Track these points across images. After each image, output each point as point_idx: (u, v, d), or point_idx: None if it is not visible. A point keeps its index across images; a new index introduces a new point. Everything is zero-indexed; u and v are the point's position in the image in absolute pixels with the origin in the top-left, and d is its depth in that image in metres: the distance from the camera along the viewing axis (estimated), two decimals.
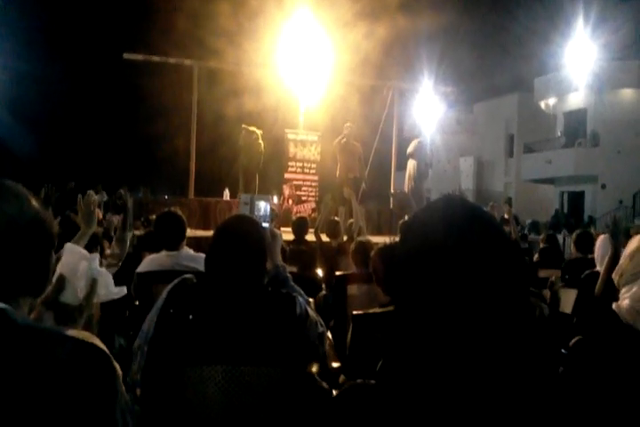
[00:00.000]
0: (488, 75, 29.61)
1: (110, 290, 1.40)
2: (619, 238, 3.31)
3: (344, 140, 10.49)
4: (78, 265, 1.34)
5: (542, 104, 28.18)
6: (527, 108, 29.02)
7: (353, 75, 13.84)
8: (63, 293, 1.28)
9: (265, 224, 2.31)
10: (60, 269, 1.32)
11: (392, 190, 14.14)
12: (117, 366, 1.01)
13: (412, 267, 0.97)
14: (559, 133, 26.98)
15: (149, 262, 3.48)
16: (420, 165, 11.04)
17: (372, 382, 1.09)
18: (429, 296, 0.96)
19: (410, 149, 11.13)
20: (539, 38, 27.57)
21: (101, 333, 2.77)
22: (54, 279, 1.29)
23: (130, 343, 2.87)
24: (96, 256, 1.38)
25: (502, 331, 0.97)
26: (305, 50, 12.71)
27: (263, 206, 2.34)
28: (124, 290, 1.47)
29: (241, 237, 1.99)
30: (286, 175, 12.69)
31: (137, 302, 3.25)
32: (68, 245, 1.40)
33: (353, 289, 3.70)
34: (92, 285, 1.31)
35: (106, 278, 1.39)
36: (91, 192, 2.69)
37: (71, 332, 1.03)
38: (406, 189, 11.16)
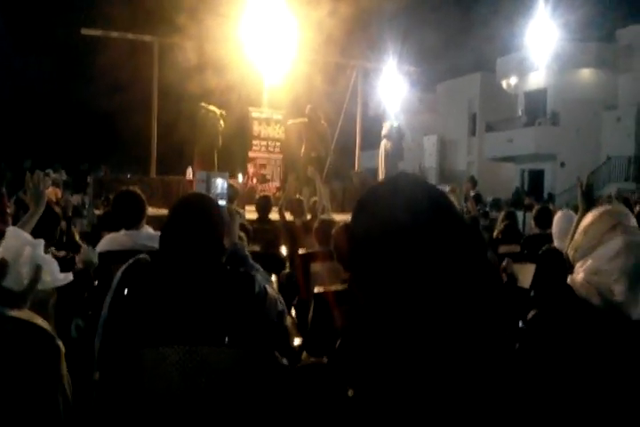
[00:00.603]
0: (451, 54, 29.71)
1: (56, 277, 1.36)
2: (591, 201, 3.18)
3: (306, 120, 10.51)
4: (22, 251, 1.28)
5: (504, 84, 28.41)
6: (489, 88, 29.21)
7: (317, 54, 13.71)
8: (5, 278, 1.23)
9: (222, 202, 2.28)
10: (1, 253, 1.26)
11: (356, 169, 14.17)
12: (61, 345, 0.98)
13: (372, 247, 0.97)
14: (520, 113, 27.30)
15: (108, 242, 3.43)
16: (395, 145, 11.26)
17: (325, 360, 1.09)
18: (388, 276, 0.96)
19: (384, 131, 11.37)
20: (501, 18, 27.76)
21: (58, 315, 2.72)
22: None
23: (88, 324, 2.84)
24: (41, 242, 1.32)
25: (459, 307, 0.97)
26: (269, 26, 12.50)
27: (220, 184, 2.31)
28: (69, 276, 1.43)
29: (196, 215, 1.97)
30: (250, 154, 12.58)
31: (96, 283, 3.21)
32: (11, 230, 1.34)
33: (316, 267, 3.73)
34: (37, 271, 1.27)
35: (51, 265, 1.34)
36: (39, 172, 2.63)
37: (13, 312, 1.00)
38: (381, 169, 11.33)
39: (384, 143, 11.44)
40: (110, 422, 1.76)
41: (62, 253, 3.06)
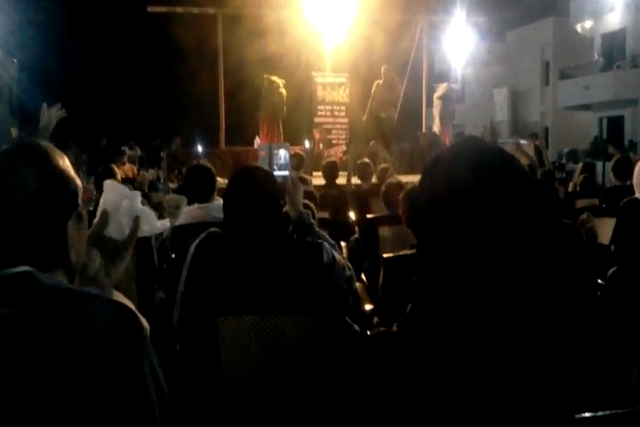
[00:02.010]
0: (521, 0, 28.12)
1: (153, 225, 1.44)
2: None
3: (382, 81, 10.89)
4: (120, 203, 1.38)
5: (578, 27, 26.91)
6: (563, 33, 27.74)
7: (379, 12, 13.32)
8: (107, 228, 1.32)
9: (285, 172, 2.32)
10: (102, 205, 1.36)
11: (423, 128, 13.94)
12: (144, 323, 1.02)
13: (440, 212, 0.97)
14: (596, 57, 25.86)
15: (182, 216, 3.55)
16: (449, 107, 11.40)
17: (395, 329, 1.10)
18: (460, 240, 0.96)
19: (440, 92, 11.45)
20: None
21: (140, 287, 2.87)
22: (98, 214, 1.34)
23: (169, 295, 2.97)
24: (138, 193, 1.41)
25: (530, 269, 0.96)
26: None
27: (283, 155, 2.33)
28: (166, 223, 1.51)
29: (248, 188, 2.01)
30: (316, 119, 12.53)
31: (173, 256, 3.34)
32: (109, 183, 1.42)
33: (384, 231, 3.71)
34: (135, 222, 1.36)
35: (148, 215, 1.43)
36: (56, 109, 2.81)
37: (96, 291, 1.05)
38: (436, 129, 11.32)
39: (438, 104, 11.53)
40: (193, 390, 1.86)
41: None
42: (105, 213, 1.34)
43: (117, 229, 1.34)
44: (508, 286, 0.95)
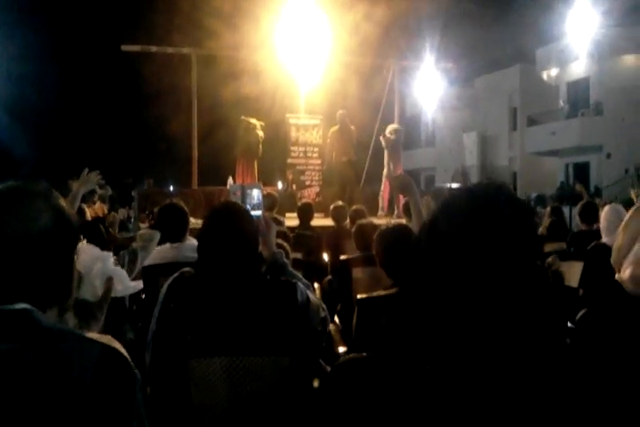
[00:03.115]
0: (489, 48, 29.11)
1: (127, 285, 1.43)
2: None
3: (337, 126, 11.00)
4: (93, 265, 1.36)
5: (545, 75, 27.88)
6: (530, 80, 28.68)
7: (352, 56, 13.68)
8: (80, 290, 1.30)
9: (258, 212, 2.31)
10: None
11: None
12: (138, 374, 1.01)
13: (452, 254, 0.96)
14: (562, 104, 26.73)
15: (154, 255, 3.50)
16: (399, 150, 11.28)
17: (364, 354, 1.09)
18: (461, 282, 0.96)
19: (395, 136, 11.06)
20: (539, 7, 27.08)
21: (108, 326, 2.80)
22: None
23: (138, 336, 2.91)
24: (109, 255, 1.40)
25: (516, 310, 0.97)
26: (302, 32, 12.52)
27: (256, 195, 2.34)
28: (140, 284, 1.50)
29: (227, 225, 1.99)
30: (289, 160, 12.64)
31: (143, 296, 3.28)
32: (83, 245, 1.42)
33: (358, 272, 3.70)
34: (108, 282, 1.34)
35: (121, 275, 1.42)
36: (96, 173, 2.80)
37: (94, 335, 1.04)
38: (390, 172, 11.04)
39: (390, 147, 11.16)
40: None
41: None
42: (78, 276, 1.33)
43: (91, 291, 1.33)
44: (499, 324, 0.95)
